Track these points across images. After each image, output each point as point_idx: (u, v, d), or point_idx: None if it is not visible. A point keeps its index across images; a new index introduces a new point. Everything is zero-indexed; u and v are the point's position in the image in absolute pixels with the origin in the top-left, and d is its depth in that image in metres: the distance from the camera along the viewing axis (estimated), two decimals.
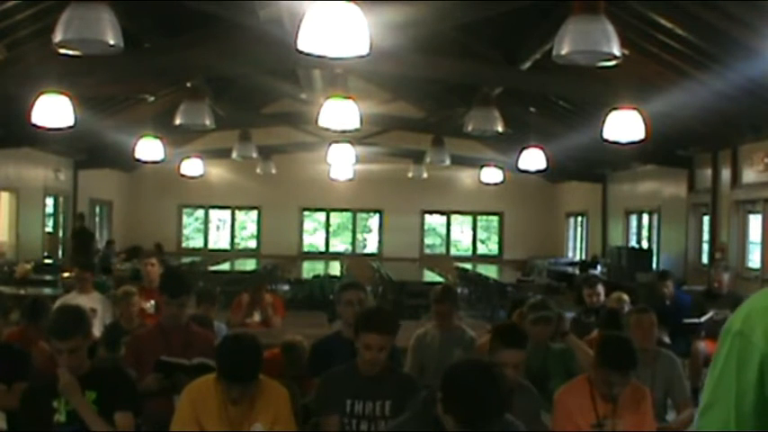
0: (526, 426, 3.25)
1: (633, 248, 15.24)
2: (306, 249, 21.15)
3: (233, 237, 21.53)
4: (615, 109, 7.37)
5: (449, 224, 21.72)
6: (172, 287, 4.56)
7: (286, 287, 14.17)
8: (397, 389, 3.66)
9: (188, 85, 9.95)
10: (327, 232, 21.63)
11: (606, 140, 7.78)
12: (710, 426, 1.05)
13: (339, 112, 8.59)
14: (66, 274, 11.62)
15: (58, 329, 3.55)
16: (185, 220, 21.45)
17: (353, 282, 4.94)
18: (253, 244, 21.28)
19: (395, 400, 3.61)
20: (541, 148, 11.98)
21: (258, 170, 17.89)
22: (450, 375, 2.87)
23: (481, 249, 21.77)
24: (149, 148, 11.62)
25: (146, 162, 13.42)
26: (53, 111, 7.20)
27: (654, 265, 14.24)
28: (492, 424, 2.78)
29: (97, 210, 19.13)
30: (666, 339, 6.80)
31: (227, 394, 3.42)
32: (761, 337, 1.01)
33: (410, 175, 18.21)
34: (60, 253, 16.48)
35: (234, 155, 14.76)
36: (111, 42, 4.94)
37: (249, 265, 16.31)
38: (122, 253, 16.98)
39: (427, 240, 21.62)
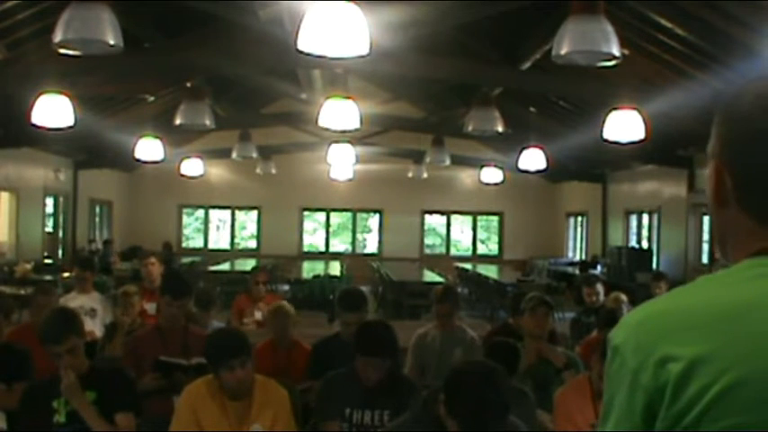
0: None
1: (633, 248, 15.25)
2: (306, 249, 21.15)
3: (233, 237, 21.54)
4: (615, 109, 7.37)
5: (449, 224, 21.72)
6: (174, 288, 4.55)
7: (286, 287, 14.16)
8: (397, 397, 3.66)
9: (188, 85, 9.95)
10: (327, 232, 21.63)
11: (606, 140, 7.78)
12: None
13: (339, 112, 8.58)
14: (66, 274, 11.62)
15: (50, 334, 3.54)
16: (185, 220, 21.46)
17: (355, 295, 4.78)
18: (253, 244, 21.28)
19: (393, 409, 3.61)
20: (541, 148, 11.97)
21: (258, 170, 17.89)
22: (454, 378, 2.86)
23: (481, 249, 21.77)
24: (149, 148, 11.61)
25: (146, 162, 13.41)
26: (53, 111, 7.18)
27: (654, 266, 14.25)
28: (495, 427, 2.78)
29: (97, 210, 19.13)
30: None
31: (224, 390, 3.42)
32: (631, 354, 1.00)
33: (410, 175, 18.21)
34: (60, 253, 16.50)
35: (234, 155, 14.77)
36: (111, 42, 4.94)
37: (249, 265, 16.29)
38: (119, 253, 17.00)
39: (427, 240, 21.62)
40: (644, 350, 0.99)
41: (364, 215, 21.63)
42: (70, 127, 7.64)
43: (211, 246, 21.31)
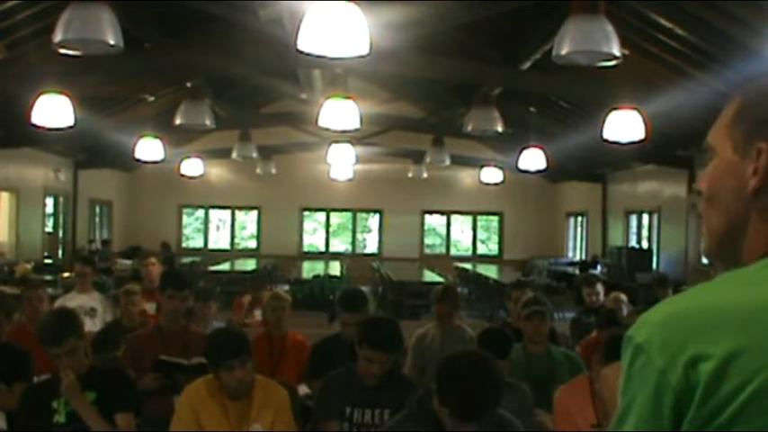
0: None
1: (633, 248, 15.25)
2: (306, 249, 21.15)
3: (233, 237, 21.54)
4: (615, 109, 7.37)
5: (449, 224, 21.72)
6: (175, 281, 4.57)
7: (286, 287, 14.16)
8: (397, 396, 3.65)
9: (188, 85, 9.95)
10: (327, 232, 21.63)
11: (606, 140, 7.78)
12: None
13: (339, 112, 8.58)
14: (66, 274, 11.62)
15: (49, 336, 3.54)
16: (185, 220, 21.46)
17: (355, 296, 4.81)
18: (253, 244, 21.28)
19: (393, 408, 3.61)
20: (541, 148, 11.98)
21: (258, 170, 17.89)
22: (445, 367, 2.88)
23: (481, 249, 21.77)
24: (149, 148, 11.61)
25: (146, 162, 13.41)
26: (53, 111, 7.18)
27: (654, 266, 14.25)
28: (486, 415, 2.78)
29: (97, 210, 19.13)
30: None
31: (224, 390, 3.42)
32: (657, 353, 0.97)
33: (410, 175, 18.22)
34: (60, 253, 16.49)
35: (234, 155, 14.77)
36: (111, 42, 4.94)
37: (249, 265, 16.31)
38: (117, 254, 16.99)
39: (427, 240, 21.62)
40: (671, 349, 0.96)
41: (364, 215, 21.63)
42: (70, 127, 7.64)
43: (211, 246, 21.31)
